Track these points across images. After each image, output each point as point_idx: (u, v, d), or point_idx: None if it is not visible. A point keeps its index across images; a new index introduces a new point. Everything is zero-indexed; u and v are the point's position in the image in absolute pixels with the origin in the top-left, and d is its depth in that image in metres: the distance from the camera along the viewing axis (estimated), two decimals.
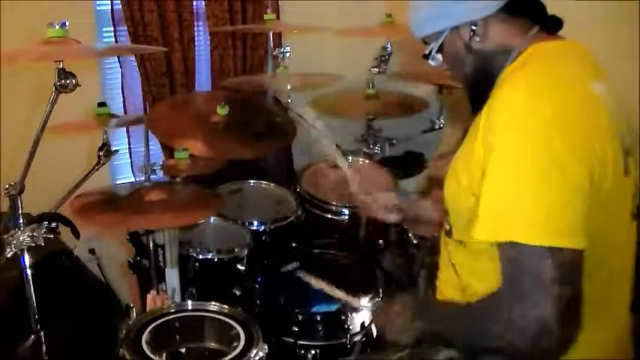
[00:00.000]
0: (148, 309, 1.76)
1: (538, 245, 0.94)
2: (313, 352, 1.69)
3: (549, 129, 0.97)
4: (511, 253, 0.97)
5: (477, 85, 1.17)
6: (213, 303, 1.65)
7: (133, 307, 1.66)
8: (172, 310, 1.64)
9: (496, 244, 1.00)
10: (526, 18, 1.13)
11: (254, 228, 2.13)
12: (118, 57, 2.82)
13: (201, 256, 1.97)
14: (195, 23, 2.89)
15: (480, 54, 1.14)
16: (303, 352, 1.69)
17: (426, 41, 1.21)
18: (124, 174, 3.04)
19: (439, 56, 1.20)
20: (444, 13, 1.13)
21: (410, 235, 2.16)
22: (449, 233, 1.21)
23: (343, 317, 1.70)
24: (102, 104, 2.03)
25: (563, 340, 0.94)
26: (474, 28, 1.12)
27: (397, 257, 2.21)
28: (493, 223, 0.99)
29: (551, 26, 1.15)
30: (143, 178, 1.99)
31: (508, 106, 1.02)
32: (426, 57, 1.21)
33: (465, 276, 1.19)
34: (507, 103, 1.02)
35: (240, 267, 1.97)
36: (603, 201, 1.01)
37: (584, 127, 1.00)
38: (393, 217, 1.61)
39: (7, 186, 1.51)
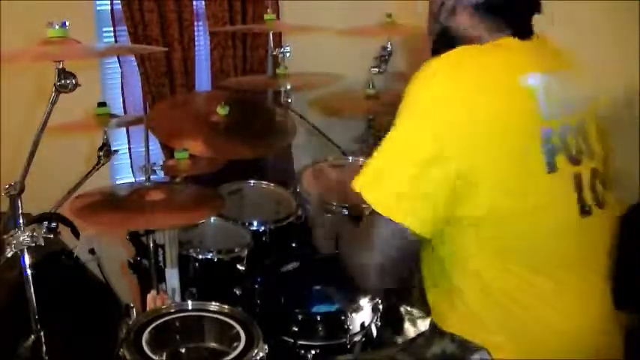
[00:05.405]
0: (148, 309, 1.76)
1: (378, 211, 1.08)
2: (313, 352, 1.69)
3: (433, 108, 1.06)
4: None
5: (439, 50, 1.22)
6: (213, 303, 1.65)
7: (133, 307, 1.66)
8: (172, 310, 1.64)
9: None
10: (497, 21, 1.17)
11: (254, 228, 2.12)
12: (118, 57, 2.82)
13: (201, 256, 1.97)
14: (195, 23, 2.89)
15: (443, 26, 1.23)
16: (303, 352, 1.69)
17: None
18: (124, 174, 3.04)
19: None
20: None
21: None
22: None
23: (343, 317, 1.70)
24: (102, 104, 2.03)
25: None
26: (442, 2, 1.20)
27: None
28: (363, 176, 1.12)
29: (521, 34, 1.18)
30: (143, 178, 1.99)
31: (412, 80, 1.10)
32: None
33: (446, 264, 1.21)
34: (413, 78, 1.10)
35: (240, 267, 1.97)
36: (514, 195, 1.07)
37: (477, 113, 1.04)
38: None
39: (7, 186, 1.51)
